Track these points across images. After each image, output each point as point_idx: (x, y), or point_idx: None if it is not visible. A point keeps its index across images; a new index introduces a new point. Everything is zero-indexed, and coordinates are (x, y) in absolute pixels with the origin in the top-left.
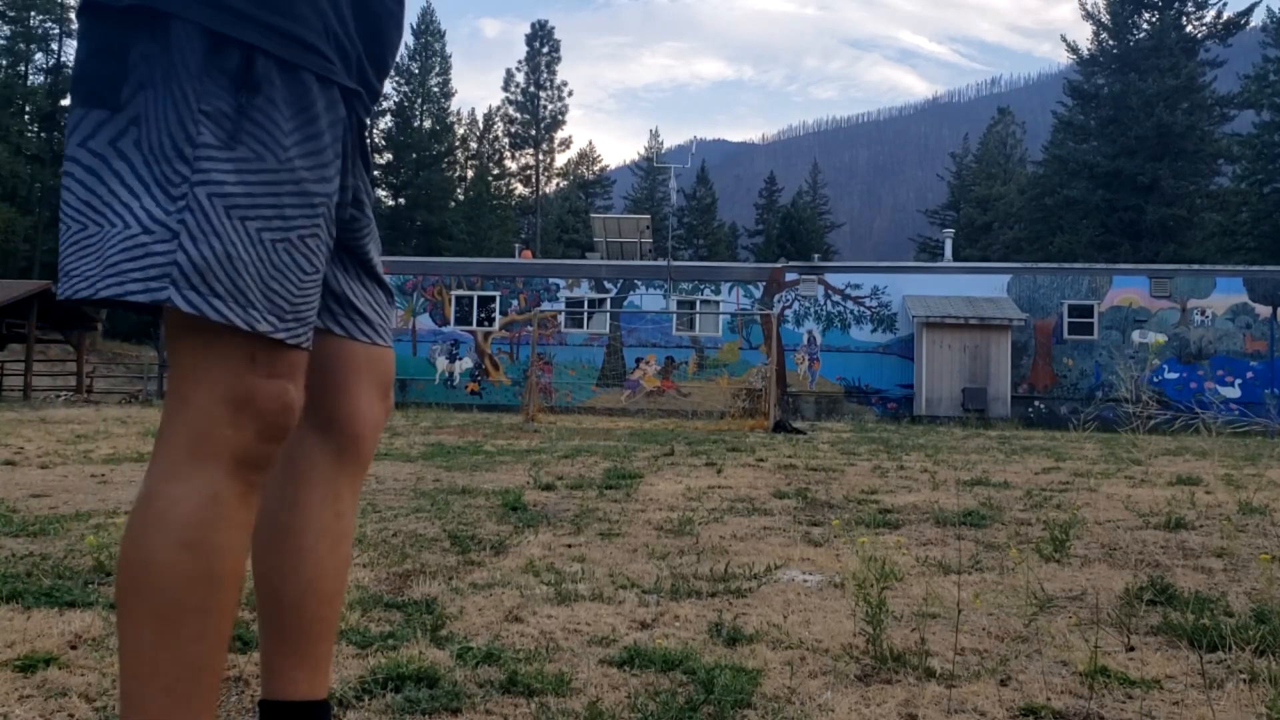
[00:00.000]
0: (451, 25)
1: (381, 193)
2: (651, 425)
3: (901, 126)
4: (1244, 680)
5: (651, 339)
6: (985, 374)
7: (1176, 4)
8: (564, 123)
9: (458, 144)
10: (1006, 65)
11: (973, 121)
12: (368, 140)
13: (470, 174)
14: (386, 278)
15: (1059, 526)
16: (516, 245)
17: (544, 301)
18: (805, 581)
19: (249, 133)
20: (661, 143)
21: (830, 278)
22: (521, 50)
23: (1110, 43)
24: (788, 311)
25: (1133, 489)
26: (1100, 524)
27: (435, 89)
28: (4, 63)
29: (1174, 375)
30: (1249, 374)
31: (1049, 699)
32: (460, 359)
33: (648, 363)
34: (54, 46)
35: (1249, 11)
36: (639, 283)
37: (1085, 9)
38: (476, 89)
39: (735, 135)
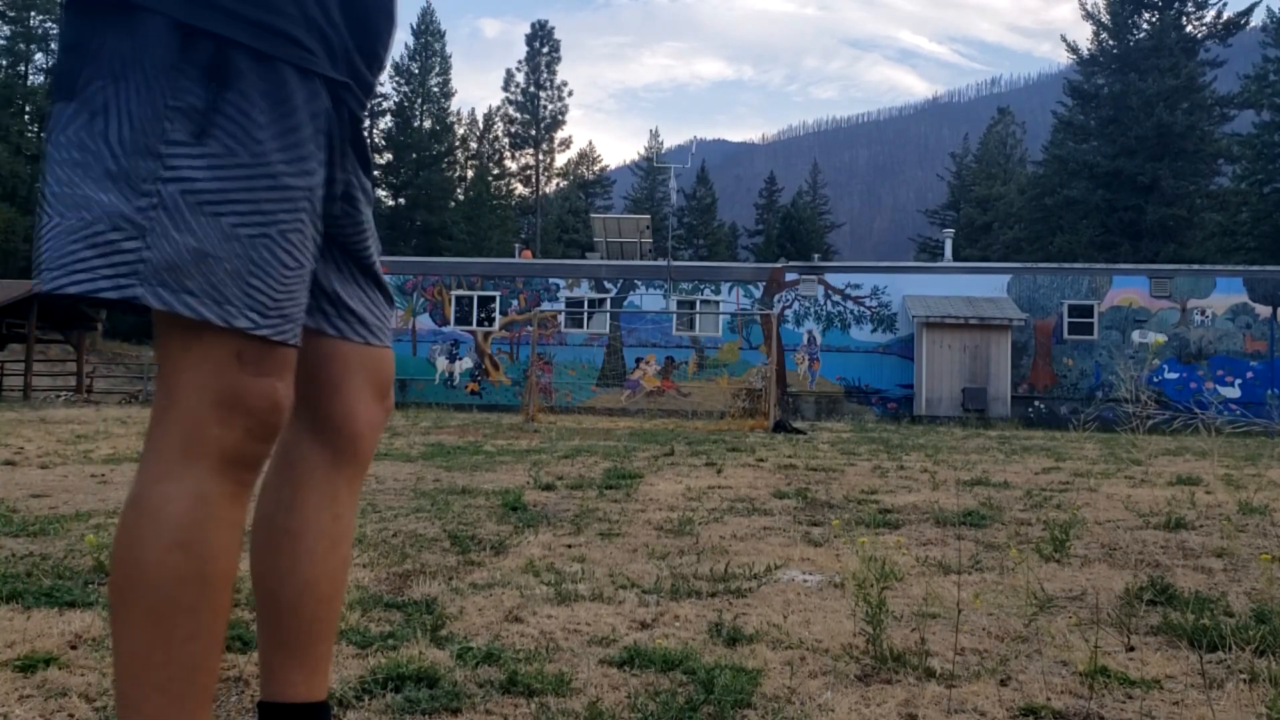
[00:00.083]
0: (451, 25)
1: (381, 193)
2: (651, 425)
3: (901, 126)
4: (1244, 680)
5: (651, 339)
6: (985, 374)
7: (1176, 4)
8: (564, 123)
9: (458, 144)
10: (1006, 65)
11: (973, 121)
12: (364, 135)
13: (470, 174)
14: (386, 278)
15: (1059, 526)
16: (516, 245)
17: (544, 301)
18: (805, 581)
19: (221, 127)
20: (661, 143)
21: (830, 278)
22: (521, 50)
23: (1110, 43)
24: (788, 311)
25: (1133, 489)
26: (1100, 524)
27: (435, 89)
28: (4, 63)
29: (1174, 375)
30: (1249, 374)
31: (1049, 699)
32: (460, 359)
33: (648, 363)
34: (54, 46)
35: (1249, 11)
36: (639, 283)
37: (1085, 9)
38: (476, 89)
39: (735, 135)
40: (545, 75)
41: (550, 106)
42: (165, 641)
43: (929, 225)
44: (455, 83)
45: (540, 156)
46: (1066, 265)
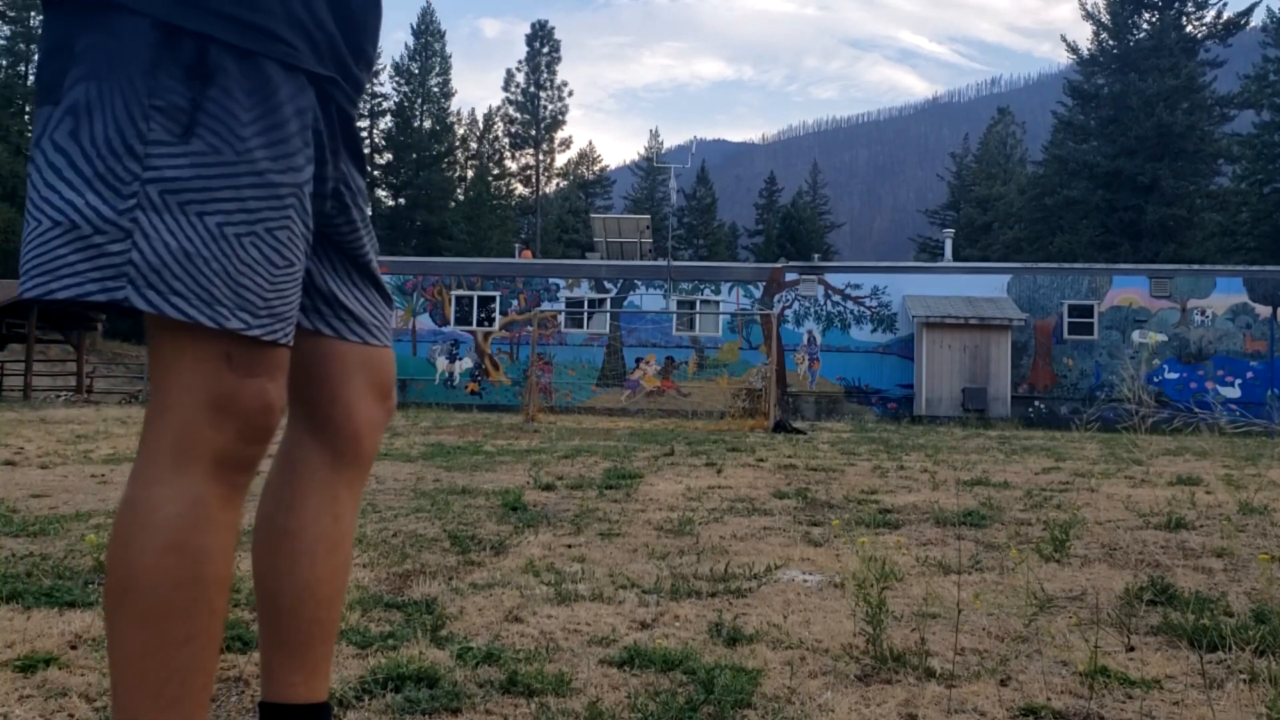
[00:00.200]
0: (451, 25)
1: (381, 193)
2: (651, 425)
3: (901, 126)
4: (1244, 680)
5: (651, 339)
6: (985, 374)
7: (1176, 4)
8: (564, 123)
9: (458, 144)
10: (1006, 65)
11: (973, 121)
12: (356, 132)
13: (470, 174)
14: (386, 278)
15: (1059, 526)
16: (516, 245)
17: (544, 301)
18: (805, 581)
19: (204, 125)
20: (661, 143)
21: (830, 278)
22: (521, 50)
23: (1110, 43)
24: (788, 311)
25: (1133, 489)
26: (1100, 524)
27: (435, 89)
28: (4, 63)
29: (1174, 375)
30: (1249, 374)
31: (1049, 699)
32: (460, 359)
33: (648, 363)
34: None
35: (1249, 11)
36: (639, 283)
37: (1085, 9)
38: (476, 89)
39: (735, 135)
40: (545, 75)
41: (550, 106)
42: (161, 645)
43: (929, 225)
44: (455, 83)
45: (540, 156)
46: (1066, 265)
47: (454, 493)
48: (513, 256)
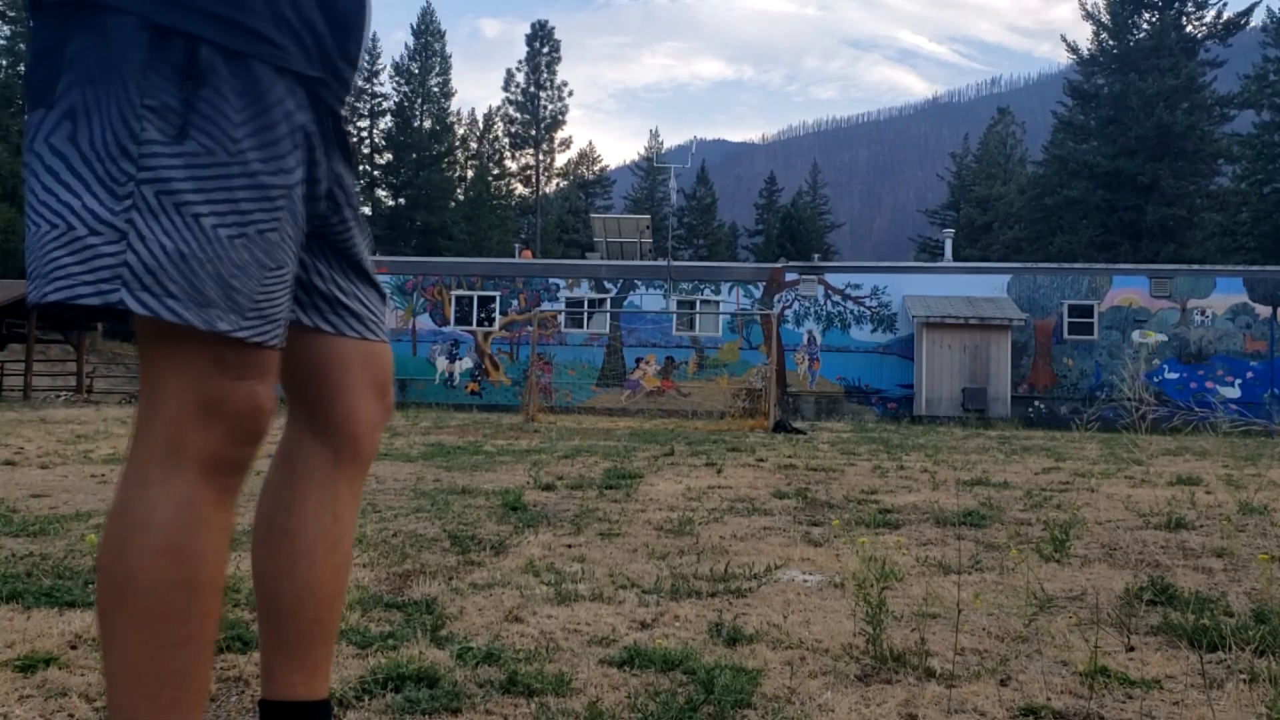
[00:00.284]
0: (451, 25)
1: (381, 193)
2: (651, 425)
3: (901, 126)
4: (1244, 680)
5: (651, 339)
6: (985, 374)
7: (1176, 4)
8: (564, 123)
9: (458, 144)
10: (1006, 65)
11: (973, 121)
12: (346, 131)
13: (470, 174)
14: (386, 278)
15: (1059, 526)
16: (516, 245)
17: (544, 301)
18: (805, 581)
19: (197, 126)
20: (661, 143)
21: (830, 278)
22: (521, 50)
23: (1110, 43)
24: (788, 311)
25: (1133, 489)
26: (1100, 524)
27: (435, 89)
28: (4, 63)
29: (1174, 375)
30: (1249, 374)
31: (1049, 699)
32: (460, 359)
33: (648, 363)
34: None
35: (1249, 11)
36: (639, 283)
37: (1085, 9)
38: (476, 89)
39: (735, 135)
40: (545, 75)
41: (550, 106)
42: (155, 648)
43: (929, 225)
44: (455, 83)
45: (540, 156)
46: (1066, 265)
47: (454, 493)
48: (513, 256)
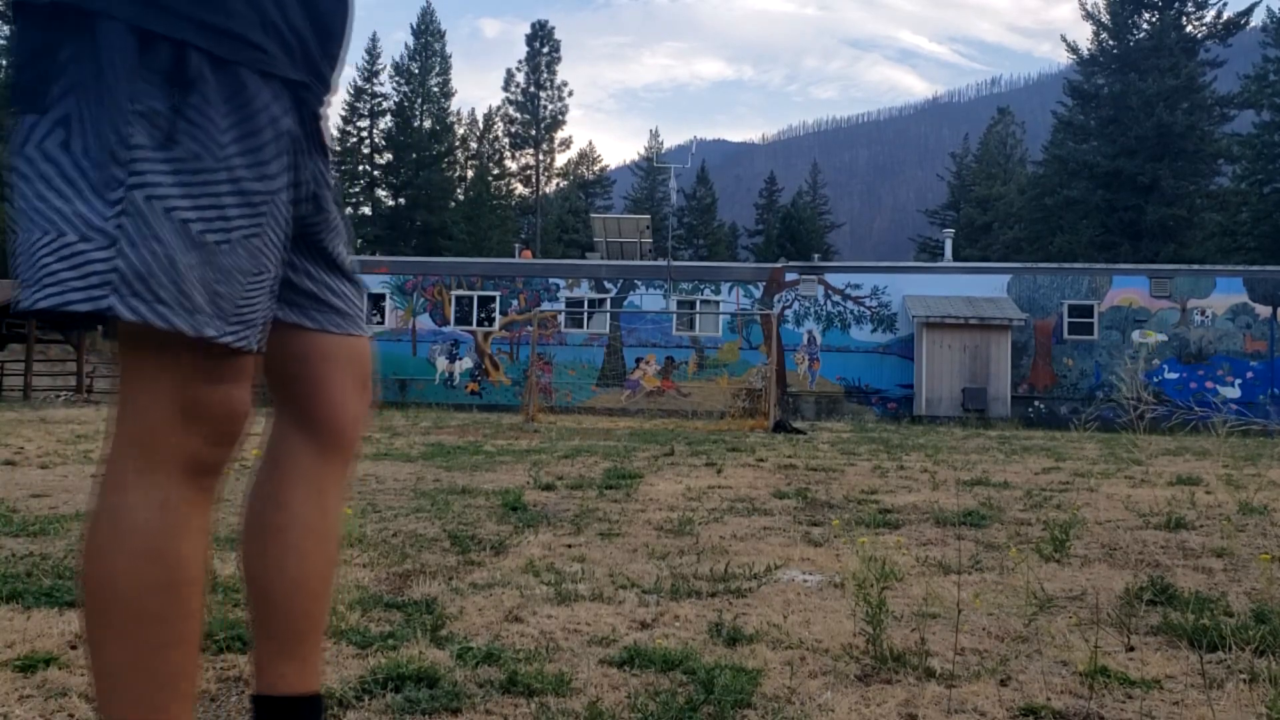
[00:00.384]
0: (451, 25)
1: (381, 193)
2: (651, 425)
3: (901, 126)
4: (1244, 680)
5: (651, 339)
6: (985, 374)
7: (1176, 4)
8: (564, 123)
9: (458, 144)
10: (1006, 65)
11: (973, 121)
12: (324, 130)
13: (470, 174)
14: (386, 278)
15: (1059, 526)
16: (516, 245)
17: (544, 301)
18: (805, 581)
19: (185, 132)
20: (661, 143)
21: (830, 278)
22: (521, 50)
23: (1110, 43)
24: (788, 311)
25: (1133, 489)
26: (1100, 524)
27: (435, 89)
28: (4, 63)
29: (1174, 375)
30: (1249, 374)
31: (1049, 699)
32: (460, 359)
33: (648, 363)
34: None
35: (1249, 11)
36: (639, 283)
37: (1085, 9)
38: (476, 89)
39: (735, 135)
40: (545, 75)
41: (550, 106)
42: (141, 652)
43: (929, 225)
44: (455, 83)
45: (540, 156)
46: (1066, 265)
47: (454, 493)
48: (513, 256)
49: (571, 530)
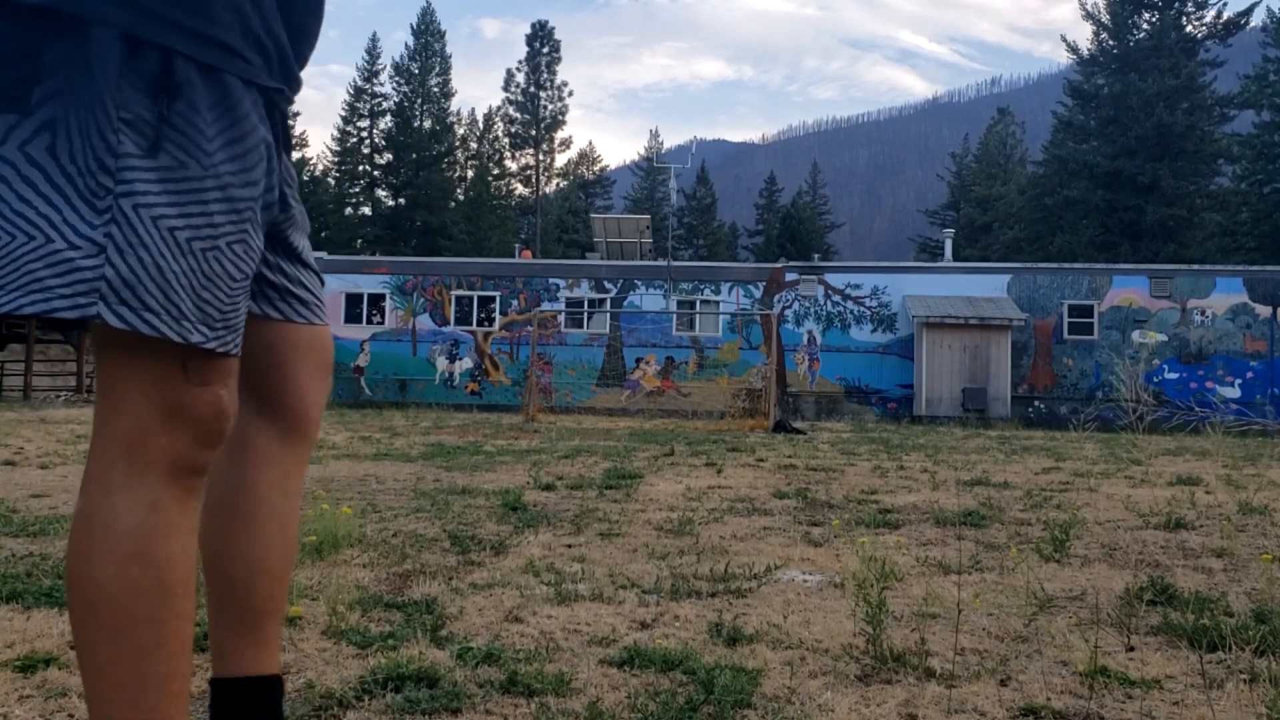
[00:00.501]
0: (451, 25)
1: (381, 193)
2: (651, 425)
3: (901, 126)
4: (1244, 680)
5: (651, 339)
6: (985, 374)
7: (1176, 4)
8: (564, 123)
9: (458, 144)
10: (1006, 65)
11: (973, 121)
12: (290, 129)
13: (470, 174)
14: (386, 278)
15: (1059, 526)
16: (516, 245)
17: (544, 301)
18: (805, 581)
19: (171, 139)
20: (661, 143)
21: (830, 278)
22: (521, 50)
23: (1110, 43)
24: (788, 311)
25: (1133, 489)
26: (1100, 524)
27: (435, 89)
28: None
29: (1174, 375)
30: (1249, 374)
31: (1049, 699)
32: (460, 359)
33: (648, 363)
34: None
35: (1249, 11)
36: (639, 283)
37: (1085, 9)
38: (476, 89)
39: (735, 135)
40: (545, 75)
41: (550, 106)
42: (132, 654)
43: (929, 225)
44: (455, 83)
45: (540, 156)
46: (1066, 265)
47: (454, 493)
48: (513, 256)
49: (571, 530)
